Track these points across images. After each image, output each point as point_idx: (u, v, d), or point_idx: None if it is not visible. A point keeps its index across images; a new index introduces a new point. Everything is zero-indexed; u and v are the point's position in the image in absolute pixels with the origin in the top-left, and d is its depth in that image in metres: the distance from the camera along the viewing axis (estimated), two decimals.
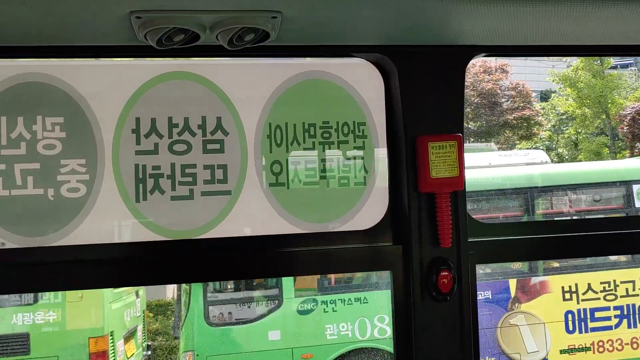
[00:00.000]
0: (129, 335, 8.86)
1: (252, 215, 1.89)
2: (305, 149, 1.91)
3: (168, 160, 1.83)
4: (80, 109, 1.78)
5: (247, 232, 1.89)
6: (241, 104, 1.88)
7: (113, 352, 7.94)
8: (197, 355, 8.06)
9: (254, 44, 1.57)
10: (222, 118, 1.86)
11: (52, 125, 1.77)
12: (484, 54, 1.97)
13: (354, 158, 1.94)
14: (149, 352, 9.98)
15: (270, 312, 8.21)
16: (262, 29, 1.50)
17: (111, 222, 1.82)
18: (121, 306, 8.47)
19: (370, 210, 1.94)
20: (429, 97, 1.89)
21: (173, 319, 10.57)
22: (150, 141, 1.82)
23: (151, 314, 12.33)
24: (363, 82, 1.95)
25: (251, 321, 8.21)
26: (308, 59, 1.92)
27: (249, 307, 8.41)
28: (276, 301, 8.27)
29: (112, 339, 7.92)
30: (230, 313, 8.40)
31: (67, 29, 1.48)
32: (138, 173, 1.81)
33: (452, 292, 1.84)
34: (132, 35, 1.49)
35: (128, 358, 8.68)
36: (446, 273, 1.83)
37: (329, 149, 1.92)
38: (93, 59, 1.82)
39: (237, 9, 1.42)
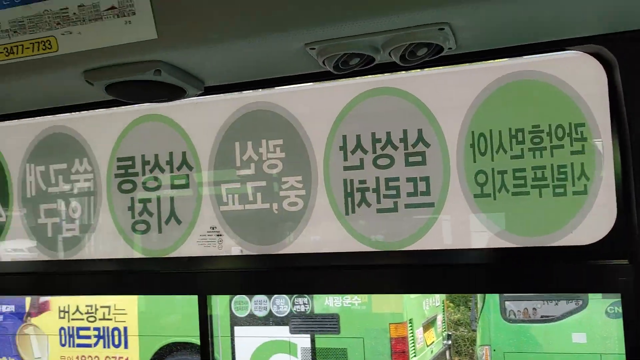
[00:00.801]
0: (428, 324, 9.15)
1: (457, 227, 1.84)
2: (512, 157, 1.77)
3: (373, 174, 1.90)
4: (295, 131, 1.98)
5: (452, 244, 1.84)
6: (442, 114, 1.84)
7: (412, 339, 8.28)
8: (494, 350, 7.94)
9: (431, 56, 1.53)
10: (423, 130, 1.85)
11: (274, 147, 2.00)
12: None
13: (571, 164, 1.72)
14: (449, 342, 10.15)
15: (573, 312, 7.61)
16: (434, 43, 1.46)
17: (324, 233, 1.97)
18: (419, 295, 8.80)
19: (593, 222, 1.70)
20: None
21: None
22: (356, 157, 1.92)
23: (452, 304, 12.52)
24: (580, 77, 1.72)
25: (551, 320, 7.74)
26: (511, 60, 1.77)
27: (557, 304, 7.94)
28: (580, 301, 7.63)
29: (411, 326, 8.27)
30: (534, 309, 8.06)
31: (259, 64, 1.67)
32: (346, 187, 1.93)
33: None
34: (317, 63, 1.60)
35: (427, 346, 8.98)
36: None
37: (541, 156, 1.74)
38: (304, 84, 1.99)
39: (401, 27, 1.41)
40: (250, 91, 1.99)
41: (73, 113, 2.25)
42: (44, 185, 2.33)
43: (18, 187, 2.36)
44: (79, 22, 1.59)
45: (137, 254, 2.17)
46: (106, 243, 2.23)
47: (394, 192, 1.87)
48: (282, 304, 8.24)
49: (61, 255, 2.29)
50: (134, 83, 1.67)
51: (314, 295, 8.20)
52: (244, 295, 8.27)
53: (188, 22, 1.50)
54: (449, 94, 1.85)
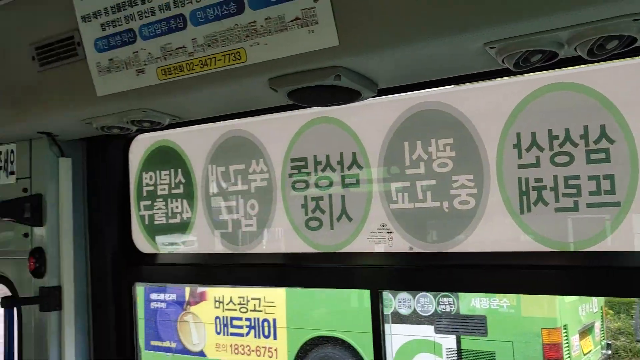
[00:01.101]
0: (585, 331, 8.60)
1: None
2: None
3: (550, 172, 1.84)
4: (466, 129, 1.97)
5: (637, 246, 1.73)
6: (628, 108, 1.74)
7: (567, 346, 7.84)
8: None
9: (622, 48, 1.45)
10: (606, 126, 1.76)
11: (443, 146, 2.01)
12: None
13: None
14: (609, 352, 9.47)
15: None
16: (626, 35, 1.39)
17: (498, 232, 1.94)
18: (575, 300, 8.30)
19: None
20: None
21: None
22: (531, 154, 1.87)
23: (611, 311, 11.64)
24: None
25: None
26: None
27: None
28: None
29: (565, 332, 7.83)
30: None
31: (434, 65, 1.68)
32: (521, 186, 1.89)
33: None
34: (494, 61, 1.59)
35: (584, 354, 8.45)
36: None
37: None
38: (476, 82, 1.98)
39: (591, 20, 1.36)
40: (420, 91, 2.02)
41: (250, 117, 2.43)
42: (224, 184, 2.53)
43: (202, 186, 2.59)
44: (266, 34, 1.71)
45: (311, 249, 2.29)
46: (281, 238, 2.38)
47: (574, 190, 1.80)
48: (426, 302, 8.17)
49: (240, 249, 2.48)
50: (314, 88, 1.77)
51: (460, 296, 8.03)
52: (388, 292, 8.29)
53: (368, 28, 1.56)
54: (636, 87, 1.74)
